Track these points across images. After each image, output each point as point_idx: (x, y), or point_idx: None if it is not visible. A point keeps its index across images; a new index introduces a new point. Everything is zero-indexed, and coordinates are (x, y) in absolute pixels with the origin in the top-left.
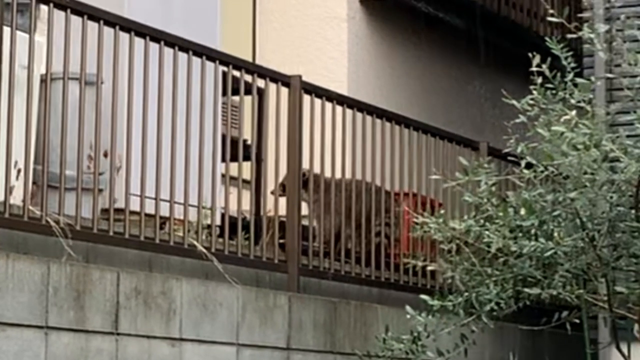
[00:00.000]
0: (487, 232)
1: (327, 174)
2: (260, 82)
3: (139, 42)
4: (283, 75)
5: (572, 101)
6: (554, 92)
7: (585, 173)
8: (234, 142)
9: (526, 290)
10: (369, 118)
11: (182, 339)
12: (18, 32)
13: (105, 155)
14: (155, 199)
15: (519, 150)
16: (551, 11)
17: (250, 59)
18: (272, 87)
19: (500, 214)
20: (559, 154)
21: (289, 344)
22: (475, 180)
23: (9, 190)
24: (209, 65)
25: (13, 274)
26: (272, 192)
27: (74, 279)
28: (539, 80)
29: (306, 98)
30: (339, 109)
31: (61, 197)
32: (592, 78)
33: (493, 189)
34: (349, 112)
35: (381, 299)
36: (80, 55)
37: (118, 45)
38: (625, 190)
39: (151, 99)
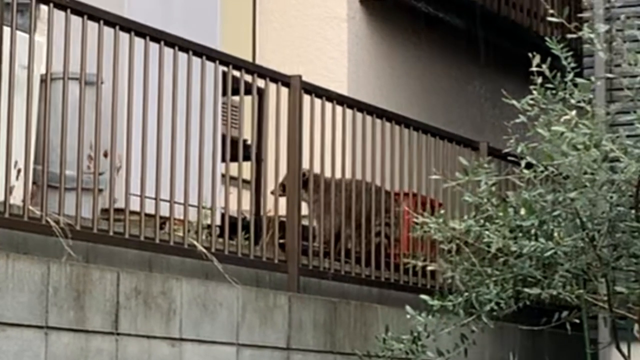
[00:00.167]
0: (487, 232)
1: (327, 174)
2: (260, 82)
3: (139, 42)
4: (283, 75)
5: (572, 101)
6: (554, 92)
7: (585, 173)
8: (234, 142)
9: (526, 290)
10: (369, 118)
11: (182, 339)
12: (18, 32)
13: (105, 155)
14: (155, 199)
15: (519, 150)
16: (551, 11)
17: (250, 59)
18: (272, 87)
19: (500, 214)
20: (559, 154)
21: (289, 344)
22: (475, 180)
23: (9, 190)
24: (209, 65)
25: (13, 274)
26: (272, 192)
27: (74, 279)
28: (539, 80)
29: (306, 98)
30: (339, 109)
31: (61, 197)
32: (592, 78)
33: (493, 189)
34: (349, 112)
35: (381, 299)
36: (80, 55)
37: (118, 45)
38: (625, 190)
39: (151, 99)
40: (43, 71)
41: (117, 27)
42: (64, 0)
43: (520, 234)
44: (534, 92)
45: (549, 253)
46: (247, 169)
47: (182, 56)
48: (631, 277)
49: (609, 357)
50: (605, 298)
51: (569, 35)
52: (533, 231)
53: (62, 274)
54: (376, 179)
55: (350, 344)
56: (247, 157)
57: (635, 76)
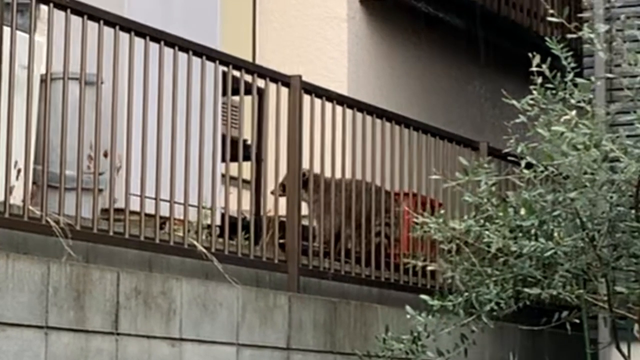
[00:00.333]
0: (487, 232)
1: (327, 174)
2: (260, 82)
3: (139, 42)
4: (283, 75)
5: (572, 101)
6: (554, 92)
7: (585, 173)
8: (234, 142)
9: (526, 290)
10: (369, 118)
11: (182, 339)
12: (18, 32)
13: (105, 155)
14: (155, 199)
15: (519, 150)
16: (551, 11)
17: (250, 59)
18: (272, 87)
19: (500, 214)
20: (559, 154)
21: (289, 344)
22: (475, 180)
23: (9, 190)
24: (209, 65)
25: (13, 274)
26: (272, 192)
27: (74, 279)
28: (539, 80)
29: (306, 98)
30: (339, 109)
31: (61, 197)
32: (592, 78)
33: (493, 189)
34: (349, 112)
35: (381, 299)
36: (80, 55)
37: (118, 45)
38: (625, 190)
39: (151, 99)
40: (43, 71)
41: (117, 27)
42: (64, 0)
43: (520, 234)
44: (534, 92)
45: (549, 253)
46: (247, 169)
47: (182, 56)
48: (631, 277)
49: (609, 357)
50: (605, 298)
51: (569, 35)
52: (533, 231)
53: (62, 274)
54: (376, 179)
55: (350, 344)
56: (247, 157)
57: (635, 76)
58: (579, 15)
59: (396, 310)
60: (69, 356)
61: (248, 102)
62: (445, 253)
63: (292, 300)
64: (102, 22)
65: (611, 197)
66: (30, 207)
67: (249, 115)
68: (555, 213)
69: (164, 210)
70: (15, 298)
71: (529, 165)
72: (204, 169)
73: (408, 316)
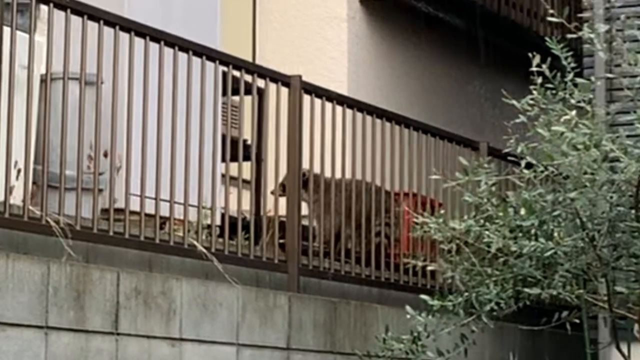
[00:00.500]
0: (487, 232)
1: (327, 174)
2: (260, 82)
3: (139, 42)
4: (283, 75)
5: (572, 101)
6: (554, 92)
7: (585, 173)
8: (234, 142)
9: (526, 290)
10: (369, 118)
11: (182, 339)
12: (18, 32)
13: (105, 155)
14: (155, 199)
15: (519, 150)
16: (551, 11)
17: (250, 59)
18: (272, 87)
19: (500, 214)
20: (559, 154)
21: (289, 344)
22: (475, 180)
23: (9, 190)
24: (209, 65)
25: (13, 274)
26: (272, 192)
27: (74, 279)
28: (539, 80)
29: (306, 98)
30: (339, 109)
31: (61, 197)
32: (592, 78)
33: (493, 189)
34: (349, 112)
35: (381, 299)
36: (80, 55)
37: (118, 45)
38: (625, 190)
39: (151, 99)
40: (43, 71)
41: (117, 27)
42: (64, 0)
43: (520, 234)
44: (534, 92)
45: (549, 253)
46: (247, 169)
47: (182, 56)
48: (631, 277)
49: (609, 357)
50: (605, 298)
51: (569, 35)
52: (533, 231)
53: (62, 274)
54: (376, 179)
55: (350, 344)
56: (247, 157)
57: (635, 76)
58: (579, 15)
59: (396, 310)
60: (69, 356)
61: (248, 102)
62: (445, 253)
63: (292, 300)
64: (102, 22)
65: (611, 197)
66: (30, 207)
67: (249, 115)
68: (555, 213)
69: (164, 210)
70: (15, 298)
71: (529, 165)
72: (204, 169)
73: (408, 316)
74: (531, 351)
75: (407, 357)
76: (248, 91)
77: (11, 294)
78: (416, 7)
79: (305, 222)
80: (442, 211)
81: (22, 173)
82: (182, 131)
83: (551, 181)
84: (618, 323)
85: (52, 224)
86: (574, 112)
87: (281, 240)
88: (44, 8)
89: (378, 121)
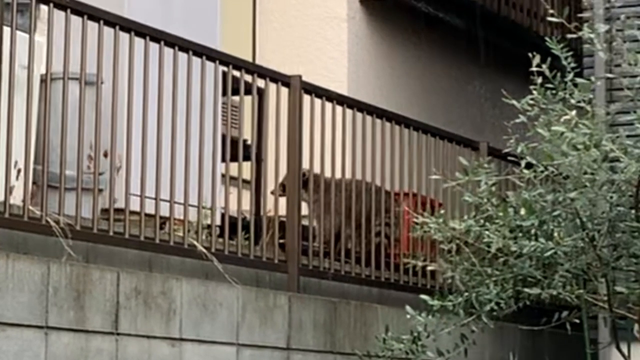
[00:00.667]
0: (487, 232)
1: (327, 174)
2: (260, 82)
3: (139, 42)
4: (283, 75)
5: (572, 101)
6: (554, 92)
7: (585, 173)
8: (234, 142)
9: (526, 290)
10: (369, 118)
11: (182, 339)
12: (18, 32)
13: (105, 155)
14: (155, 199)
15: (519, 150)
16: (551, 11)
17: (250, 59)
18: (272, 87)
19: (500, 214)
20: (559, 154)
21: (289, 344)
22: (475, 180)
23: (9, 190)
24: (209, 65)
25: (13, 274)
26: (272, 192)
27: (74, 279)
28: (539, 80)
29: (306, 98)
30: (339, 109)
31: (61, 197)
32: (592, 78)
33: (493, 189)
34: (349, 112)
35: (381, 299)
36: (80, 55)
37: (118, 45)
38: (625, 190)
39: (151, 99)
40: (43, 71)
41: (117, 27)
42: (64, 0)
43: (520, 234)
44: (534, 92)
45: (549, 253)
46: (247, 169)
47: (182, 56)
48: (631, 277)
49: (609, 357)
50: (605, 298)
51: (569, 35)
52: (533, 231)
53: (62, 274)
54: (376, 179)
55: (350, 344)
56: (247, 157)
57: (635, 76)
58: (579, 15)
59: (396, 310)
60: (69, 356)
61: (248, 102)
62: (445, 253)
63: (292, 300)
64: (102, 22)
65: (611, 197)
66: (30, 207)
67: (249, 115)
68: (555, 213)
69: (164, 210)
70: (15, 298)
71: (529, 165)
72: (204, 169)
73: (408, 316)
74: (531, 351)
75: (407, 357)
76: (248, 91)
77: (11, 294)
78: (416, 7)
79: (305, 222)
80: (442, 211)
81: (22, 173)
82: (182, 131)
83: (551, 181)
84: (618, 323)
85: (52, 224)
86: (574, 112)
87: (281, 240)
88: (44, 8)
89: (378, 121)
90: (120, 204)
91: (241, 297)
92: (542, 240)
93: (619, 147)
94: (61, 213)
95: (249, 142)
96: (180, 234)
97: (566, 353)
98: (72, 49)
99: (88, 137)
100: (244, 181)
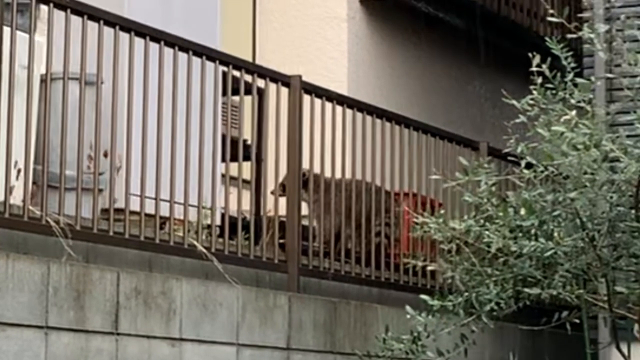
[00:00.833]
0: (487, 232)
1: (327, 174)
2: (260, 82)
3: (139, 42)
4: (283, 75)
5: (572, 101)
6: (554, 92)
7: (585, 173)
8: (234, 142)
9: (526, 290)
10: (369, 118)
11: (182, 339)
12: (18, 32)
13: (105, 155)
14: (155, 199)
15: (519, 150)
16: (551, 11)
17: (250, 59)
18: (272, 87)
19: (500, 214)
20: (559, 154)
21: (289, 344)
22: (475, 180)
23: (9, 190)
24: (209, 65)
25: (13, 274)
26: (272, 192)
27: (74, 279)
28: (539, 80)
29: (306, 98)
30: (339, 109)
31: (61, 197)
32: (592, 78)
33: (493, 189)
34: (349, 112)
35: (381, 299)
36: (80, 55)
37: (118, 45)
38: (625, 190)
39: (151, 99)
40: (43, 71)
41: (117, 27)
42: (64, 0)
43: (520, 234)
44: (534, 92)
45: (549, 253)
46: (247, 169)
47: (182, 56)
48: (631, 277)
49: (609, 357)
50: (605, 298)
51: (569, 35)
52: (533, 231)
53: (62, 274)
54: (376, 179)
55: (350, 344)
56: (247, 157)
57: (635, 76)
58: (579, 15)
59: (396, 310)
60: (69, 356)
61: (248, 102)
62: (445, 253)
63: (292, 300)
64: (102, 22)
65: (611, 197)
66: (30, 207)
67: (249, 115)
68: (555, 213)
69: (164, 210)
70: (15, 298)
71: (529, 165)
72: (204, 169)
73: (408, 316)
74: (531, 351)
75: (407, 357)
76: (248, 91)
77: (11, 294)
78: (416, 7)
79: (305, 222)
80: (442, 211)
81: (22, 173)
82: (182, 131)
83: (551, 181)
84: (618, 323)
85: (52, 224)
86: (574, 112)
87: (281, 240)
88: (44, 8)
89: (378, 121)
90: (120, 204)
91: (241, 297)
92: (542, 240)
93: (619, 147)
94: (61, 213)
95: (249, 142)
96: (180, 234)
97: (566, 353)
98: (72, 49)
99: (88, 137)
100: (244, 181)
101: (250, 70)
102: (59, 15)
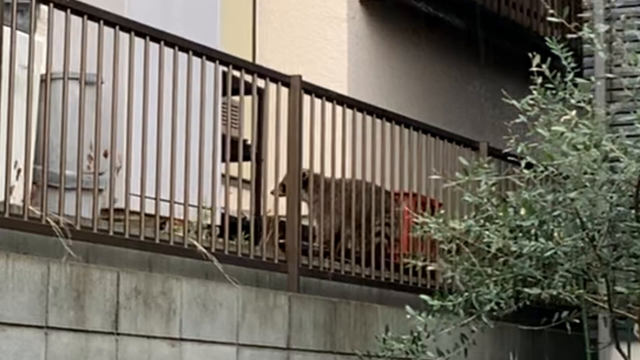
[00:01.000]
0: (487, 232)
1: (327, 174)
2: (260, 82)
3: (139, 42)
4: (283, 75)
5: (572, 101)
6: (554, 92)
7: (585, 173)
8: (234, 142)
9: (526, 290)
10: (369, 118)
11: (182, 339)
12: (18, 32)
13: (105, 155)
14: (155, 199)
15: (519, 150)
16: (551, 11)
17: (250, 59)
18: (272, 87)
19: (500, 214)
20: (559, 154)
21: (289, 344)
22: (475, 180)
23: (9, 190)
24: (209, 65)
25: (13, 274)
26: (272, 192)
27: (74, 279)
28: (539, 80)
29: (306, 98)
30: (339, 109)
31: (61, 197)
32: (592, 78)
33: (493, 189)
34: (349, 112)
35: (381, 299)
36: (80, 55)
37: (118, 45)
38: (625, 190)
39: (151, 99)
40: (43, 71)
41: (117, 27)
42: (64, 0)
43: (520, 234)
44: (534, 92)
45: (549, 253)
46: (247, 169)
47: (182, 56)
48: (631, 277)
49: (609, 357)
50: (605, 298)
51: (569, 35)
52: (533, 231)
53: (62, 274)
54: (376, 179)
55: (350, 344)
56: (247, 157)
57: (635, 76)
58: (579, 15)
59: (396, 310)
60: (69, 356)
61: (248, 102)
62: (445, 253)
63: (292, 300)
64: (102, 22)
65: (611, 197)
66: (30, 207)
67: (249, 115)
68: (555, 213)
69: (164, 210)
70: (15, 298)
71: (529, 165)
72: (204, 169)
73: (408, 316)
74: (531, 351)
75: (407, 357)
76: (248, 91)
77: (11, 294)
78: (416, 7)
79: (305, 222)
80: (442, 211)
81: (22, 173)
82: (182, 131)
83: (551, 181)
84: (618, 323)
85: (52, 224)
86: (574, 112)
87: (281, 240)
88: (44, 8)
89: (378, 121)
90: (120, 204)
91: (241, 297)
92: (542, 240)
93: (619, 147)
94: (61, 213)
95: (249, 142)
96: (180, 234)
97: (566, 353)
98: (72, 49)
99: (88, 137)
100: (244, 181)
101: (250, 70)
102: (59, 15)
